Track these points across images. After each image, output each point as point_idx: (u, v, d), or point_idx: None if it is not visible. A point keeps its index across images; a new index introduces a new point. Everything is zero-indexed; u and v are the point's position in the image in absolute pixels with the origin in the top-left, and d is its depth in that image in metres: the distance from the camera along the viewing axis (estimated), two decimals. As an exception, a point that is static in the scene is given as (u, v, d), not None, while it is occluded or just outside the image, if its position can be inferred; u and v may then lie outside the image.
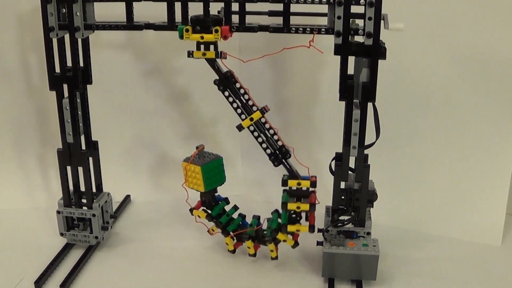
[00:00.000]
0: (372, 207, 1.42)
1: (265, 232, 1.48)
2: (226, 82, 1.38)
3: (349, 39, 1.27)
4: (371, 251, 1.38)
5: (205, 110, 1.88)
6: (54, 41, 1.40)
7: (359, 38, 1.29)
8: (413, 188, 1.72)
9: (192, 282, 1.46)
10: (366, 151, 1.36)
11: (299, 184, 1.41)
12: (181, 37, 1.33)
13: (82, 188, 1.55)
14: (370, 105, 1.31)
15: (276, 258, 1.50)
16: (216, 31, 1.31)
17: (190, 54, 1.35)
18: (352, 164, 1.38)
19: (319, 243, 1.45)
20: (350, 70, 1.30)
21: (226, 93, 1.39)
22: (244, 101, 1.39)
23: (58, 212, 1.54)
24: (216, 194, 1.50)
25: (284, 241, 1.46)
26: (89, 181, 1.54)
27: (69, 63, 1.42)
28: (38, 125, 1.85)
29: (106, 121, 1.84)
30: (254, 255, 1.52)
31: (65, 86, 1.43)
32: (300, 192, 1.42)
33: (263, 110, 1.38)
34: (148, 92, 1.83)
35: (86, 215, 1.54)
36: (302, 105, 1.79)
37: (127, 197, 1.88)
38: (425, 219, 1.69)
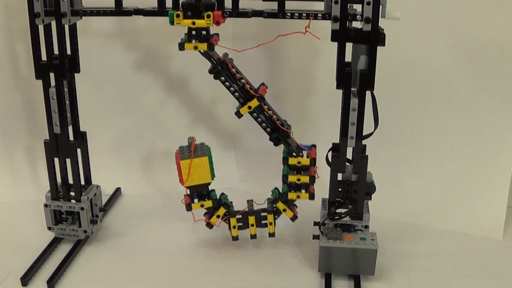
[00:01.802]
0: (370, 199, 1.39)
1: (263, 214, 1.49)
2: (221, 69, 1.35)
3: (347, 25, 1.24)
4: (369, 245, 1.35)
5: (198, 102, 1.86)
6: (41, 28, 1.37)
7: (357, 24, 1.26)
8: (413, 180, 1.70)
9: (184, 277, 1.43)
10: (364, 142, 1.33)
11: (299, 163, 1.41)
12: (172, 22, 1.29)
13: (71, 181, 1.53)
14: (368, 94, 1.28)
15: (274, 235, 1.50)
16: (208, 16, 1.27)
17: (181, 46, 1.32)
18: (349, 155, 1.36)
19: (315, 237, 1.42)
20: (348, 58, 1.27)
21: (223, 78, 1.36)
22: (241, 85, 1.37)
23: (46, 205, 1.51)
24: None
25: (284, 210, 1.47)
26: (77, 173, 1.51)
27: (56, 51, 1.39)
28: (26, 116, 1.82)
29: (95, 111, 1.81)
30: (255, 236, 1.51)
31: (52, 75, 1.41)
32: (300, 167, 1.42)
33: (260, 98, 1.37)
34: (139, 81, 1.81)
35: (75, 209, 1.51)
36: (297, 95, 1.77)
37: (117, 190, 1.85)
38: (424, 212, 1.67)
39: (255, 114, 1.39)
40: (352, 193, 1.37)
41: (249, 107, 1.37)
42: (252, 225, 1.50)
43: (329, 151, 1.38)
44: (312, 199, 1.43)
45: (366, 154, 1.35)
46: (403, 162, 1.70)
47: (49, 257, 1.50)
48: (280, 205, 1.46)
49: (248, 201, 1.52)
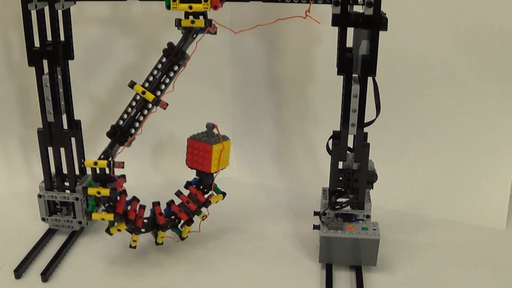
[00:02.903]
0: (372, 188, 1.38)
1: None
2: (173, 56, 1.30)
3: (348, 9, 1.22)
4: (371, 235, 1.33)
5: (195, 90, 1.83)
6: (34, 14, 1.35)
7: (358, 9, 1.24)
8: (415, 169, 1.68)
9: (181, 267, 1.41)
10: (365, 129, 1.32)
11: (95, 163, 1.30)
12: (168, 7, 1.27)
13: (65, 171, 1.51)
14: (369, 80, 1.27)
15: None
16: (206, 0, 1.24)
17: (178, 23, 1.29)
18: (350, 143, 1.34)
19: (315, 227, 1.41)
20: (349, 43, 1.25)
21: (164, 60, 1.30)
22: (161, 81, 1.31)
23: (39, 196, 1.50)
24: None
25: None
26: (71, 163, 1.49)
27: (49, 37, 1.37)
28: (19, 105, 1.80)
29: (90, 99, 1.79)
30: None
31: (45, 62, 1.39)
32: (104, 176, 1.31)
33: (156, 101, 1.30)
34: (135, 69, 1.78)
35: (69, 199, 1.49)
36: (296, 81, 1.75)
37: (113, 180, 1.81)
38: (427, 201, 1.65)
39: (134, 102, 1.31)
40: (353, 182, 1.36)
41: (143, 92, 1.29)
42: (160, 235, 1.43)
43: (329, 139, 1.37)
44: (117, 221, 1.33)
45: (368, 142, 1.33)
46: (404, 150, 1.68)
47: (43, 249, 1.48)
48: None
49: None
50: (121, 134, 1.32)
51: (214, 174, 1.40)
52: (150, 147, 1.87)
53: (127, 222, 1.34)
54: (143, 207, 1.40)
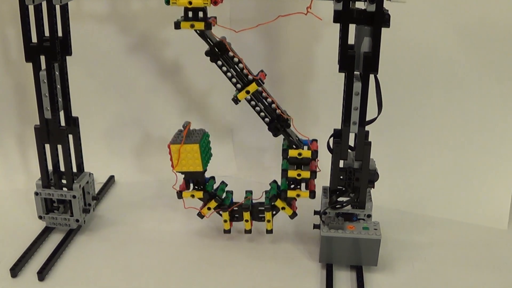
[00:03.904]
0: (373, 187, 1.37)
1: (260, 208, 1.45)
2: (218, 52, 1.30)
3: (350, 5, 1.20)
4: (372, 235, 1.32)
5: (193, 87, 1.82)
6: (31, 9, 1.33)
7: (360, 5, 1.23)
8: (416, 168, 1.67)
9: (180, 268, 1.40)
10: (366, 128, 1.30)
11: (299, 154, 1.36)
12: (167, 2, 1.25)
13: (62, 168, 1.49)
14: (371, 78, 1.25)
15: (271, 231, 1.47)
16: None
17: (177, 25, 1.27)
18: (351, 141, 1.33)
19: (316, 226, 1.40)
20: (351, 40, 1.24)
21: (220, 63, 1.31)
22: (239, 70, 1.32)
23: (36, 193, 1.48)
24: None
25: (283, 208, 1.42)
26: (69, 160, 1.48)
27: (47, 33, 1.36)
28: (17, 102, 1.79)
29: (87, 96, 1.78)
30: (250, 231, 1.47)
31: (43, 58, 1.37)
32: (301, 159, 1.37)
33: (259, 82, 1.32)
34: (133, 66, 1.78)
35: (66, 197, 1.48)
36: (296, 79, 1.74)
37: (111, 178, 1.82)
38: (428, 201, 1.64)
39: (253, 102, 1.34)
40: (354, 181, 1.34)
41: (247, 92, 1.32)
42: (247, 220, 1.45)
43: (330, 137, 1.35)
44: (313, 198, 1.38)
45: (369, 140, 1.32)
46: (405, 149, 1.67)
47: (40, 247, 1.47)
48: (279, 203, 1.42)
49: (246, 192, 1.48)
50: (279, 122, 1.35)
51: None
52: (155, 143, 1.86)
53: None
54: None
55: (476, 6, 1.49)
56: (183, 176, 1.41)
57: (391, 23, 1.19)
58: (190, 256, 1.44)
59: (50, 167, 1.49)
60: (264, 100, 1.34)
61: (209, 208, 1.44)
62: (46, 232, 1.50)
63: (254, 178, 1.81)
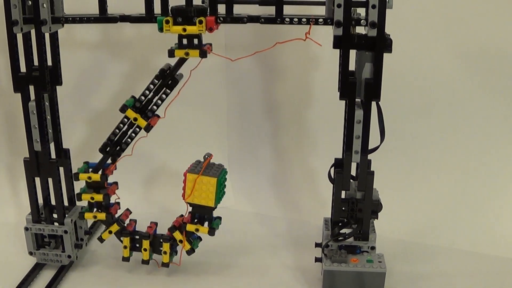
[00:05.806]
0: (377, 218, 1.35)
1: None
2: (167, 81, 1.31)
3: (350, 30, 1.18)
4: (376, 268, 1.30)
5: (190, 116, 1.80)
6: (19, 37, 1.31)
7: (360, 30, 1.21)
8: (420, 197, 1.67)
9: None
10: (369, 156, 1.28)
11: (89, 178, 1.38)
12: (161, 29, 1.23)
13: (53, 202, 1.47)
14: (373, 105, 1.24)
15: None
16: (200, 22, 1.21)
17: (171, 53, 1.26)
18: (353, 171, 1.31)
19: (318, 260, 1.37)
20: (351, 66, 1.22)
21: (156, 81, 1.32)
22: (153, 103, 1.33)
23: (26, 228, 1.45)
24: None
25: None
26: (60, 194, 1.45)
27: (36, 62, 1.33)
28: (6, 132, 1.78)
29: (78, 127, 1.76)
30: (147, 262, 1.44)
31: (32, 88, 1.35)
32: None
33: (148, 127, 1.33)
34: (127, 94, 1.72)
35: (58, 232, 1.45)
36: (294, 106, 1.73)
37: (104, 211, 1.76)
38: (433, 230, 1.62)
39: (125, 121, 1.34)
40: (357, 212, 1.32)
41: (135, 119, 1.32)
42: (145, 249, 1.41)
43: (331, 167, 1.34)
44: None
45: (372, 169, 1.30)
46: (408, 177, 1.67)
47: (30, 284, 1.42)
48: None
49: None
50: (113, 150, 1.35)
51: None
52: (143, 176, 1.84)
53: (118, 222, 1.40)
54: (134, 220, 1.46)
55: (477, 31, 1.50)
56: (190, 208, 1.37)
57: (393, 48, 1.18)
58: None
59: (40, 200, 1.46)
60: (127, 136, 1.35)
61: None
62: (37, 269, 1.47)
63: (251, 209, 1.78)
